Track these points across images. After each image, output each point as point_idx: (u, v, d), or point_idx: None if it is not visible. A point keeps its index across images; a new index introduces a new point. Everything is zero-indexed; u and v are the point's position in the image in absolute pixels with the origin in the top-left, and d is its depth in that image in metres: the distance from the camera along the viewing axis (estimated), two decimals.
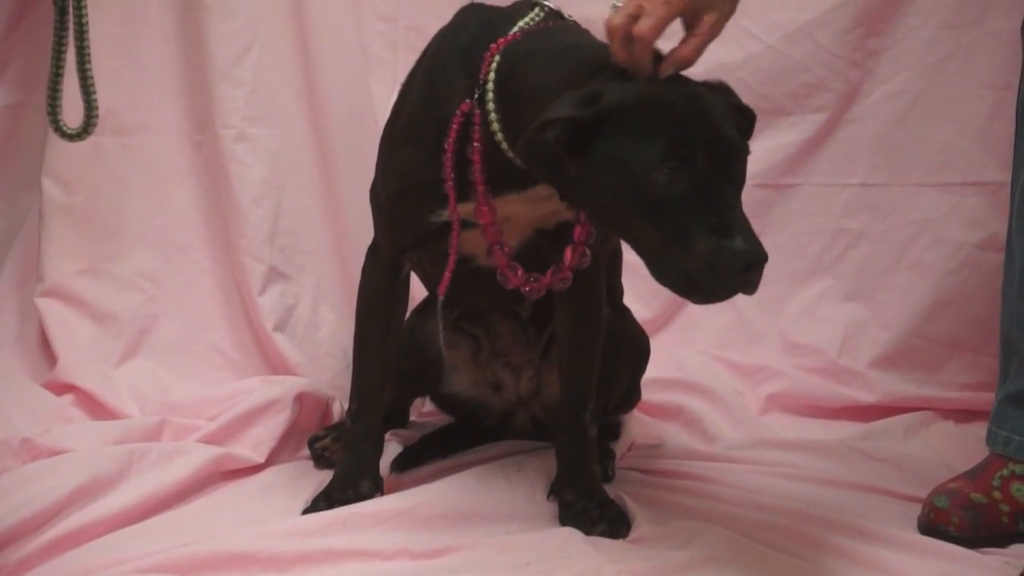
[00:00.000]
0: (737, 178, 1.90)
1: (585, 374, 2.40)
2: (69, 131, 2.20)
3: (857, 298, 3.30)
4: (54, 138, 3.03)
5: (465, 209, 2.18)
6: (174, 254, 3.16)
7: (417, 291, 2.68)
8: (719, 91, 2.01)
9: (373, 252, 2.42)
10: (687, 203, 1.84)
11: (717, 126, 1.90)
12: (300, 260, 3.14)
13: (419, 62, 2.33)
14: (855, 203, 3.31)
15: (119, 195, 3.13)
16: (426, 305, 2.71)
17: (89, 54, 2.21)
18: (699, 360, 3.27)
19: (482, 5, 2.31)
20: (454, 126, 2.12)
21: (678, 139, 1.86)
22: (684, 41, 1.98)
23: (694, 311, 3.35)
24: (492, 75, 2.10)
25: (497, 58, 2.10)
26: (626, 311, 2.70)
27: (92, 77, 2.22)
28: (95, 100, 2.22)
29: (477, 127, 2.11)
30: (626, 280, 2.69)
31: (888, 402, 3.09)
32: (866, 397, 3.12)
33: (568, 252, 2.24)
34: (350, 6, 3.19)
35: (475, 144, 2.11)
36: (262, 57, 3.12)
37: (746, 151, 1.93)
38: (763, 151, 3.30)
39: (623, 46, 1.94)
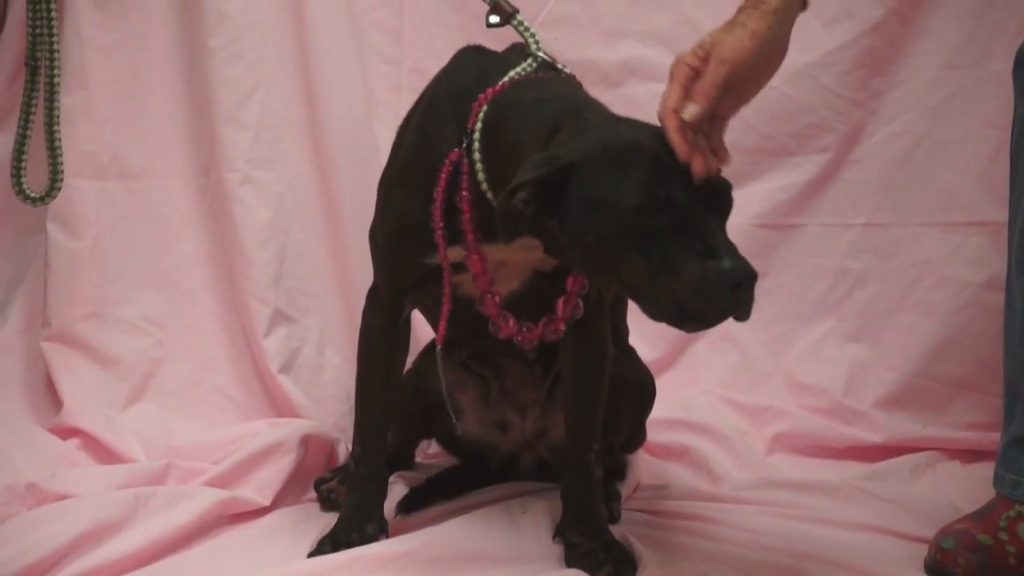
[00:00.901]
0: (720, 210, 1.91)
1: (590, 415, 2.39)
2: (32, 195, 2.17)
3: (862, 338, 3.29)
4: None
5: (457, 254, 2.19)
6: (179, 297, 3.16)
7: (423, 334, 2.69)
8: None
9: (373, 294, 2.43)
10: (670, 234, 1.84)
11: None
12: (305, 303, 3.15)
13: (416, 104, 2.36)
14: (859, 243, 3.31)
15: (124, 239, 3.14)
16: (432, 347, 2.71)
17: (59, 116, 2.18)
18: (704, 400, 3.26)
19: (479, 48, 2.33)
20: (443, 175, 2.14)
21: (653, 174, 1.86)
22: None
23: (699, 352, 3.36)
24: (479, 125, 2.12)
25: (484, 108, 2.13)
26: (632, 351, 2.71)
27: (60, 139, 2.19)
28: (61, 164, 2.19)
29: (465, 176, 2.13)
30: (631, 321, 2.69)
31: (894, 442, 3.08)
32: (872, 437, 3.11)
33: (560, 303, 2.25)
34: (354, 49, 3.21)
35: (464, 193, 2.13)
36: (267, 100, 3.14)
37: (727, 184, 1.94)
38: (766, 191, 3.31)
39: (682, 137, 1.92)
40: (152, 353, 3.13)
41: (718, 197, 1.91)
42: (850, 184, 3.31)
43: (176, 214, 3.17)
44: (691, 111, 1.91)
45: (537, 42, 2.27)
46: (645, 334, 3.05)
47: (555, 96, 2.12)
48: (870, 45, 3.24)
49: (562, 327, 2.26)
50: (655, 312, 1.88)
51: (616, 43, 3.32)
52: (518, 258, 2.20)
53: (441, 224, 2.15)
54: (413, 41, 3.29)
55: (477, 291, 2.22)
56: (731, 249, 1.83)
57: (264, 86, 3.13)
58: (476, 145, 2.11)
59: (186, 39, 3.14)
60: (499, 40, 2.33)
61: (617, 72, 3.26)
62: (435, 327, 2.58)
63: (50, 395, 3.06)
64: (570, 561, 2.28)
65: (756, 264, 3.28)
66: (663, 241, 1.84)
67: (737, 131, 3.23)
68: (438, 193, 2.15)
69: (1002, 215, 2.85)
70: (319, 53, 3.14)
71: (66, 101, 3.05)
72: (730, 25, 1.97)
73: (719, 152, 1.95)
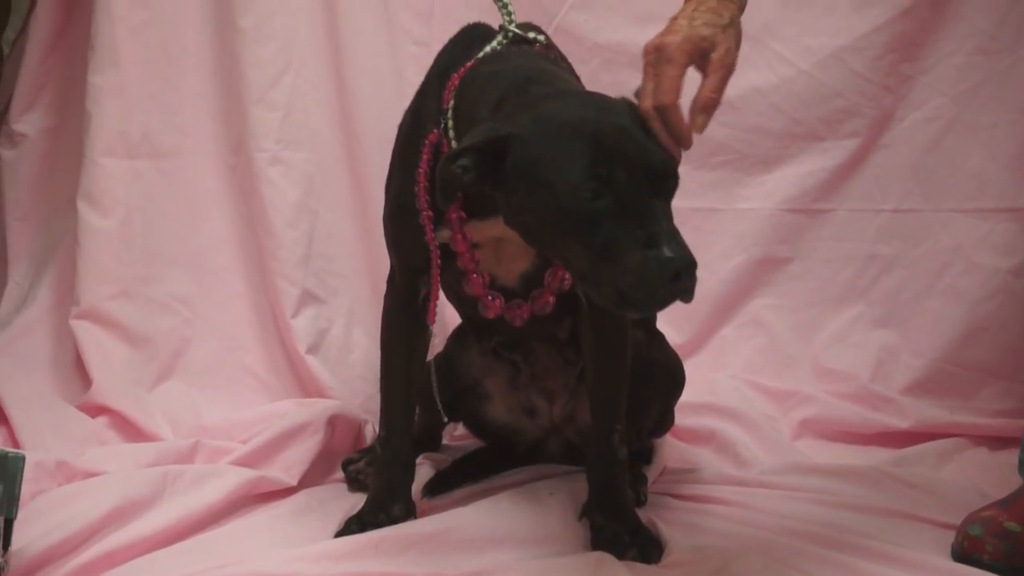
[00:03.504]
0: (665, 191, 1.90)
1: (611, 396, 2.39)
2: None
3: (890, 324, 3.28)
4: (90, 161, 3.06)
5: (447, 234, 2.21)
6: (208, 277, 3.18)
7: (452, 318, 2.69)
8: (631, 106, 1.99)
9: (391, 278, 2.43)
10: (612, 219, 1.84)
11: (636, 139, 1.90)
12: (333, 283, 3.16)
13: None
14: (888, 229, 3.30)
15: (154, 218, 3.15)
16: (461, 332, 2.71)
17: None
18: (732, 385, 3.26)
19: (476, 27, 2.34)
20: (424, 156, 2.16)
21: (596, 154, 1.86)
22: (703, 83, 1.98)
23: (727, 336, 3.35)
24: (452, 103, 2.14)
25: (457, 87, 2.15)
26: (660, 336, 2.70)
27: None
28: None
29: None
30: None
31: (921, 428, 3.08)
32: (899, 423, 3.10)
33: (547, 276, 2.27)
34: (384, 30, 3.21)
35: None
36: (296, 81, 3.14)
37: (673, 162, 1.93)
38: (795, 176, 3.30)
39: (661, 125, 1.93)
40: (181, 332, 3.14)
41: (662, 178, 1.89)
42: (879, 169, 3.30)
43: (205, 193, 3.18)
44: (702, 122, 1.95)
45: (510, 14, 2.28)
46: (672, 318, 3.05)
47: (509, 69, 2.12)
48: (901, 29, 3.22)
49: (551, 299, 2.28)
50: (597, 296, 1.89)
51: (645, 26, 3.29)
52: (513, 235, 2.18)
53: (426, 205, 2.17)
54: (443, 22, 3.27)
55: (463, 270, 2.24)
56: (672, 236, 1.82)
57: (294, 66, 3.14)
58: (450, 123, 2.13)
59: (217, 18, 3.15)
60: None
61: None
62: (463, 313, 2.59)
63: (79, 373, 3.07)
64: (596, 544, 2.29)
65: (784, 249, 3.31)
66: (604, 227, 1.84)
67: (766, 115, 3.27)
68: (420, 175, 2.16)
69: None
70: (349, 34, 3.15)
71: (96, 80, 3.09)
72: (722, 24, 2.01)
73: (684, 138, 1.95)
